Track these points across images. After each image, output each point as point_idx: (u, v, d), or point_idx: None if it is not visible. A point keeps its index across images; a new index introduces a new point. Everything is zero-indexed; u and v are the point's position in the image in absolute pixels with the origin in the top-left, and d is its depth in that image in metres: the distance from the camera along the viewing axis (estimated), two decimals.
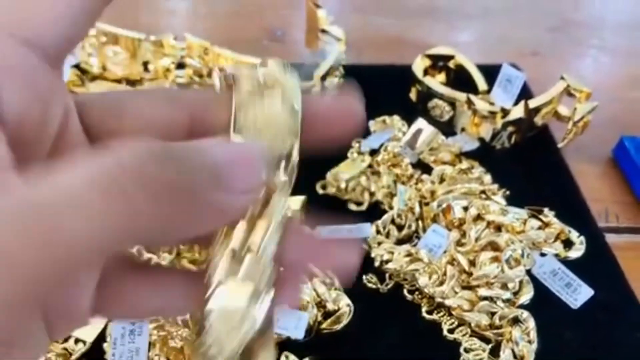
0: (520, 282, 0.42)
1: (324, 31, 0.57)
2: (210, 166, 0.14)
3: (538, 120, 0.54)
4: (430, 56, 0.59)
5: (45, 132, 0.16)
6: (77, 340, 0.38)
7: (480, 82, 0.58)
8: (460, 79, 0.59)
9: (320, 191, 0.50)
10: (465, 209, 0.46)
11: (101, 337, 0.38)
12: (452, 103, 0.55)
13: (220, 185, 0.14)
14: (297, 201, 0.46)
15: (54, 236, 0.13)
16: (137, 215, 0.13)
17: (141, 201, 0.13)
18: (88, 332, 0.38)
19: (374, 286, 0.43)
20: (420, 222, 0.47)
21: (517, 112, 0.52)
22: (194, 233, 0.15)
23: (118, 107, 0.18)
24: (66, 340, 0.38)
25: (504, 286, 0.42)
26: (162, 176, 0.14)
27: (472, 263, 0.43)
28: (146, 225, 0.14)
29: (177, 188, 0.14)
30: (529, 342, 0.39)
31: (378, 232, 0.46)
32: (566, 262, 0.45)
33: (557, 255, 0.45)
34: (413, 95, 0.58)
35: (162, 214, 0.14)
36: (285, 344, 0.39)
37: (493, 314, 0.40)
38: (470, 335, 0.40)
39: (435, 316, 0.41)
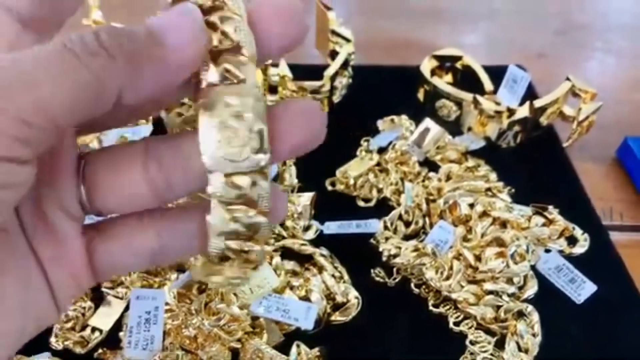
0: (525, 277, 0.43)
1: (334, 32, 0.58)
2: (147, 30, 0.17)
3: (543, 120, 0.55)
4: (437, 57, 0.60)
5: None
6: (93, 329, 0.39)
7: (487, 83, 0.59)
8: (467, 80, 0.60)
9: (330, 188, 0.51)
10: (471, 205, 0.47)
11: (117, 326, 0.40)
12: (459, 103, 0.56)
13: (157, 42, 0.17)
14: (307, 197, 0.47)
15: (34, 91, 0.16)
16: (90, 72, 0.16)
17: (94, 61, 0.16)
18: (104, 321, 0.40)
19: (381, 280, 0.44)
20: (427, 219, 0.48)
21: (523, 112, 0.53)
22: (149, 89, 0.17)
23: None
24: (83, 329, 0.39)
25: (509, 281, 0.42)
26: (108, 41, 0.16)
27: (478, 258, 0.43)
28: (103, 79, 0.16)
29: (123, 47, 0.17)
30: (534, 335, 0.40)
31: (386, 227, 0.47)
32: (570, 259, 0.45)
33: (561, 251, 0.46)
34: (421, 95, 0.59)
35: (110, 68, 0.16)
36: (294, 335, 0.40)
37: (498, 307, 0.41)
38: (476, 328, 0.41)
39: (441, 309, 0.42)
